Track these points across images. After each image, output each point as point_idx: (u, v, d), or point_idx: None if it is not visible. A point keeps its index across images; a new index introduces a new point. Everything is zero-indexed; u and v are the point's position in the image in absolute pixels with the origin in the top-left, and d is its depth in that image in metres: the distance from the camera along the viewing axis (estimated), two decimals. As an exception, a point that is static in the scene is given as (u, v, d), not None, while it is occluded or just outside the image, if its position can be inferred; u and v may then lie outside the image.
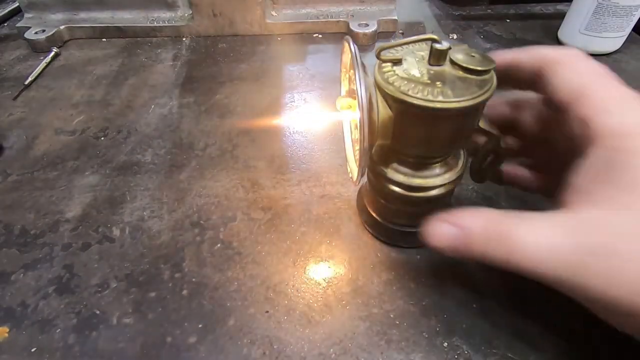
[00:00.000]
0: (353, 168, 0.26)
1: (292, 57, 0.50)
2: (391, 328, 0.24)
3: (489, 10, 0.59)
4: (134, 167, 0.35)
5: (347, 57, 0.23)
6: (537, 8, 0.58)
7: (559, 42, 0.50)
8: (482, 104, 0.19)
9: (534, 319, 0.24)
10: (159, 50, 0.52)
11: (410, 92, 0.19)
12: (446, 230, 0.20)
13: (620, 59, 0.47)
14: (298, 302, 0.25)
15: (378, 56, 0.21)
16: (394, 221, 0.27)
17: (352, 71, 0.21)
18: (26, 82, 0.46)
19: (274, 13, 0.54)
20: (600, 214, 0.17)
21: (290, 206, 0.31)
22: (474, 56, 0.20)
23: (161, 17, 0.55)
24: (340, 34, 0.54)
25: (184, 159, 0.36)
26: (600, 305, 0.17)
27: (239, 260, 0.28)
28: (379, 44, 0.21)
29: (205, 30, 0.54)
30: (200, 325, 0.24)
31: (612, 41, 0.47)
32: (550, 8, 0.58)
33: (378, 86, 0.21)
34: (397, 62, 0.21)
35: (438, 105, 0.19)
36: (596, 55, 0.48)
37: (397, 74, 0.20)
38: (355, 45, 0.20)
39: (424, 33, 0.54)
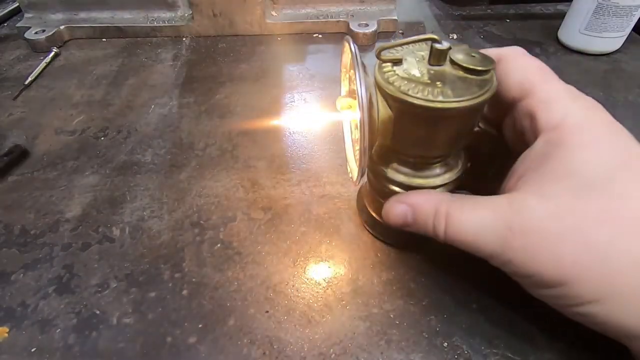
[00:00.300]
0: (353, 168, 0.26)
1: (292, 57, 0.50)
2: (391, 328, 0.24)
3: (489, 10, 0.59)
4: (134, 167, 0.35)
5: (347, 57, 0.23)
6: (537, 8, 0.58)
7: (559, 42, 0.50)
8: (483, 104, 0.19)
9: (534, 319, 0.24)
10: (159, 50, 0.52)
11: (410, 92, 0.19)
12: (400, 208, 0.23)
13: (620, 59, 0.47)
14: (298, 302, 0.25)
15: (378, 56, 0.21)
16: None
17: (352, 71, 0.21)
18: (26, 82, 0.46)
19: (274, 13, 0.54)
20: (527, 199, 0.19)
21: (290, 206, 0.31)
22: (474, 56, 0.20)
23: (161, 17, 0.55)
24: (340, 34, 0.54)
25: (184, 159, 0.36)
26: (526, 280, 0.20)
27: (239, 260, 0.28)
28: (379, 44, 0.21)
29: (205, 30, 0.54)
30: (200, 325, 0.24)
31: (612, 41, 0.47)
32: (550, 8, 0.58)
33: (378, 86, 0.21)
34: (397, 62, 0.21)
35: (438, 105, 0.19)
36: (596, 55, 0.48)
37: (397, 74, 0.20)
38: (355, 45, 0.20)
39: (424, 33, 0.54)
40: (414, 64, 0.21)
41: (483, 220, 0.20)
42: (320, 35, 0.54)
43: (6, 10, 0.60)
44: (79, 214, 0.32)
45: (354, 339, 0.23)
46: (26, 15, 0.55)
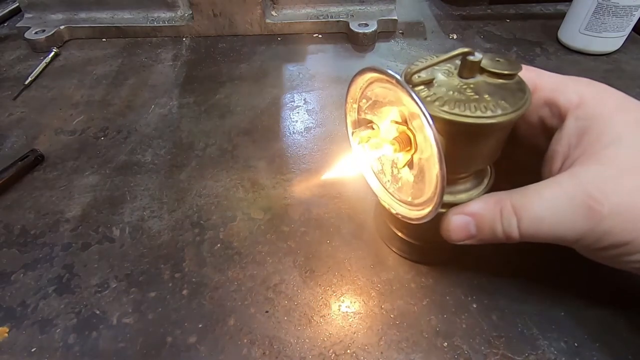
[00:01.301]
0: (390, 202, 0.24)
1: (292, 57, 0.50)
2: (391, 328, 0.24)
3: (489, 10, 0.59)
4: (134, 167, 0.35)
5: (355, 87, 0.22)
6: (537, 8, 0.58)
7: (559, 42, 0.50)
8: (525, 111, 0.19)
9: (534, 319, 0.24)
10: (159, 50, 0.52)
11: (465, 112, 0.18)
12: (459, 221, 0.21)
13: (620, 59, 0.47)
14: (298, 302, 0.25)
15: (409, 81, 0.20)
16: (421, 238, 0.26)
17: (403, 94, 0.19)
18: (26, 82, 0.46)
19: (274, 13, 0.55)
20: (595, 168, 0.19)
21: (290, 206, 0.31)
22: (499, 60, 0.20)
23: (161, 17, 0.55)
24: (340, 34, 0.54)
25: (184, 159, 0.36)
26: (619, 249, 0.19)
27: (239, 260, 0.28)
28: (403, 66, 0.20)
29: (205, 30, 0.54)
30: (200, 325, 0.24)
31: (612, 41, 0.47)
32: (550, 8, 0.58)
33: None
34: (428, 83, 0.20)
35: (500, 119, 0.18)
36: (596, 55, 0.48)
37: (438, 96, 0.19)
38: (399, 76, 0.19)
39: (424, 33, 0.54)
40: (446, 82, 0.20)
41: (556, 201, 0.19)
42: (320, 35, 0.54)
43: (6, 10, 0.60)
44: (79, 214, 0.32)
45: (354, 339, 0.23)
46: (26, 15, 0.55)
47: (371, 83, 0.22)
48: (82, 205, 0.32)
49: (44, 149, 0.37)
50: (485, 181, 0.24)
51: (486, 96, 0.19)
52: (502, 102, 0.18)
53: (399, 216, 0.23)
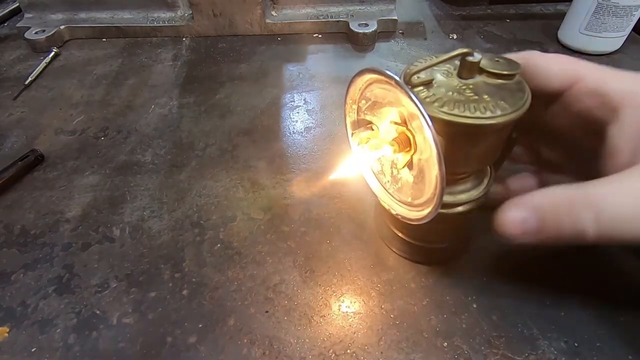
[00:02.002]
0: (390, 203, 0.24)
1: (292, 57, 0.50)
2: (391, 328, 0.24)
3: (489, 10, 0.59)
4: (134, 167, 0.35)
5: (355, 88, 0.22)
6: (537, 8, 0.58)
7: (559, 42, 0.50)
8: (528, 107, 0.19)
9: (534, 319, 0.24)
10: (159, 50, 0.52)
11: (464, 113, 0.18)
12: (517, 214, 0.19)
13: (620, 59, 0.47)
14: (298, 302, 0.25)
15: (409, 82, 0.20)
16: (419, 239, 0.26)
17: (402, 95, 0.19)
18: (26, 82, 0.46)
19: (274, 13, 0.55)
20: None
21: (290, 206, 0.31)
22: (498, 61, 0.20)
23: (161, 17, 0.55)
24: (340, 34, 0.54)
25: (184, 159, 0.36)
26: None
27: (239, 260, 0.28)
28: (402, 67, 0.20)
29: (205, 30, 0.54)
30: (200, 325, 0.24)
31: (612, 41, 0.47)
32: (550, 8, 0.58)
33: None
34: (428, 83, 0.20)
35: (499, 119, 0.18)
36: (596, 55, 0.48)
37: (437, 97, 0.19)
38: (399, 79, 0.18)
39: (424, 33, 0.54)
40: (445, 82, 0.20)
41: (634, 198, 0.17)
42: (320, 35, 0.54)
43: (6, 10, 0.60)
44: (79, 214, 0.32)
45: (354, 339, 0.23)
46: (26, 15, 0.55)
47: (370, 84, 0.21)
48: (82, 205, 0.32)
49: (44, 149, 0.37)
50: (485, 181, 0.23)
51: (485, 97, 0.19)
52: (502, 102, 0.18)
53: (399, 217, 0.23)
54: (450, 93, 0.19)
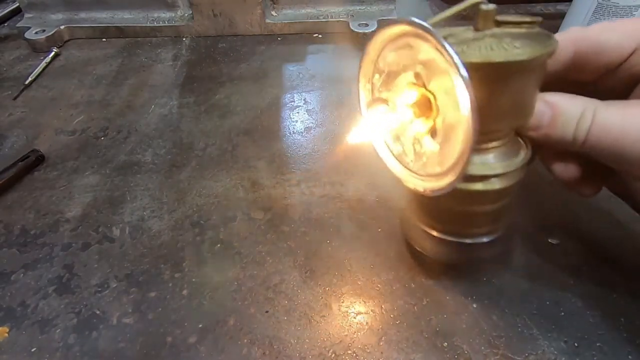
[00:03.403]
0: (417, 182, 0.22)
1: (292, 57, 0.50)
2: (391, 328, 0.24)
3: (489, 10, 0.59)
4: (134, 167, 0.35)
5: (368, 60, 0.21)
6: (537, 8, 0.58)
7: (559, 42, 0.50)
8: (554, 51, 0.18)
9: (534, 319, 0.24)
10: (159, 50, 0.52)
11: (491, 54, 0.17)
12: (540, 106, 0.20)
13: (620, 59, 0.47)
14: (298, 302, 0.25)
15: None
16: (454, 231, 0.23)
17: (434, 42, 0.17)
18: (26, 82, 0.46)
19: (274, 13, 0.54)
20: None
21: (290, 206, 0.31)
22: (513, 15, 0.19)
23: (161, 17, 0.55)
24: (340, 34, 0.54)
25: (184, 159, 0.36)
26: None
27: (239, 260, 0.28)
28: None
29: (205, 30, 0.54)
30: (200, 325, 0.24)
31: (612, 41, 0.47)
32: (550, 8, 0.58)
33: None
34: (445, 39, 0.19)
35: (531, 54, 0.17)
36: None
37: (460, 46, 0.18)
38: (422, 20, 0.18)
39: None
40: (462, 36, 0.19)
41: (636, 118, 0.18)
42: (320, 35, 0.54)
43: (6, 10, 0.59)
44: (79, 214, 0.32)
45: (354, 339, 0.23)
46: (26, 15, 0.55)
47: (382, 49, 0.20)
48: (82, 205, 0.32)
49: (44, 149, 0.37)
50: (522, 153, 0.21)
51: (507, 39, 0.18)
52: (528, 41, 0.17)
53: (428, 192, 0.21)
54: (470, 41, 0.18)
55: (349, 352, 0.23)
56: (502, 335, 0.23)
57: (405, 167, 0.23)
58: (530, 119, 0.20)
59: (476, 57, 0.17)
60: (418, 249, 0.26)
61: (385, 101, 0.21)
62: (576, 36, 0.21)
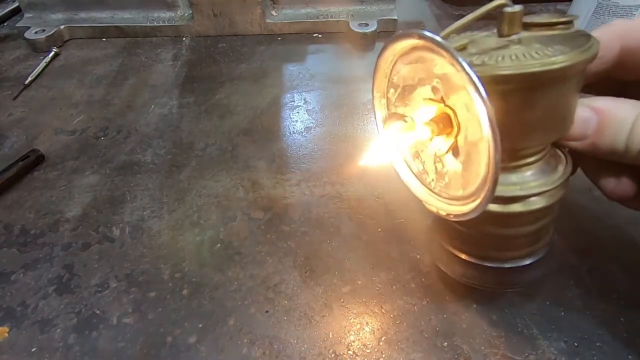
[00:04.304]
0: (439, 205, 0.20)
1: (292, 57, 0.50)
2: (391, 328, 0.24)
3: (489, 10, 0.59)
4: (134, 167, 0.35)
5: (381, 74, 0.20)
6: (537, 8, 0.58)
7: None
8: (595, 55, 0.16)
9: (534, 319, 0.24)
10: (159, 50, 0.52)
11: (513, 64, 0.15)
12: (582, 113, 0.17)
13: (620, 59, 0.47)
14: (298, 302, 0.25)
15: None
16: (486, 256, 0.21)
17: (449, 59, 0.16)
18: (26, 82, 0.46)
19: (274, 13, 0.54)
20: None
21: (290, 206, 0.31)
22: (545, 16, 0.17)
23: (161, 17, 0.55)
24: (340, 34, 0.54)
25: (184, 159, 0.36)
26: None
27: (239, 260, 0.28)
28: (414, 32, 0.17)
29: (205, 30, 0.54)
30: (200, 325, 0.24)
31: (612, 41, 0.47)
32: (550, 8, 0.58)
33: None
34: (462, 49, 0.17)
35: (558, 65, 0.15)
36: (596, 55, 0.48)
37: (481, 56, 0.16)
38: (435, 35, 0.16)
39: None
40: (485, 43, 0.17)
41: None
42: (320, 35, 0.54)
43: (6, 10, 0.59)
44: (79, 214, 0.32)
45: (354, 339, 0.23)
46: (26, 15, 0.55)
47: (394, 63, 0.19)
48: (82, 205, 0.32)
49: (44, 149, 0.37)
50: (561, 169, 0.19)
51: (536, 45, 0.16)
52: (559, 46, 0.15)
53: (451, 217, 0.19)
54: (492, 50, 0.16)
55: (349, 352, 0.23)
56: (502, 335, 0.23)
57: (427, 187, 0.21)
58: (571, 129, 0.18)
59: (501, 68, 0.15)
60: (446, 271, 0.23)
61: (402, 117, 0.19)
62: (623, 30, 0.19)
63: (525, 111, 0.17)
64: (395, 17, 0.53)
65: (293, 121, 0.40)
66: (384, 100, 0.21)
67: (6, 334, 0.24)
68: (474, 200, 0.17)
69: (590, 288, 0.25)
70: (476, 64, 0.16)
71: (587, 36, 0.16)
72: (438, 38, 0.15)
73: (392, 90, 0.20)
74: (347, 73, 0.45)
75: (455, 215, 0.19)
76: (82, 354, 0.23)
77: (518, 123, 0.17)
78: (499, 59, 0.16)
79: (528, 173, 0.19)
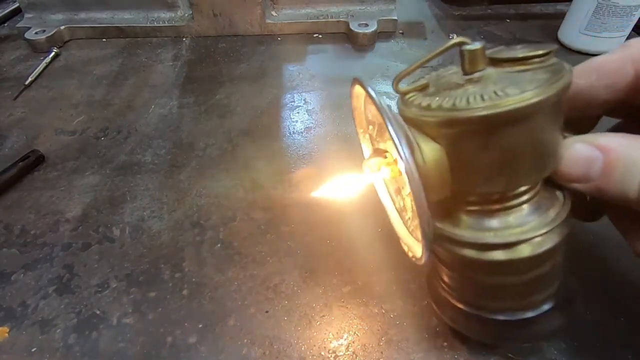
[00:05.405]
0: (411, 244, 0.19)
1: (292, 57, 0.50)
2: (391, 328, 0.24)
3: (489, 10, 0.59)
4: (134, 167, 0.35)
5: (358, 112, 0.19)
6: (537, 8, 0.58)
7: (558, 43, 0.50)
8: (565, 91, 0.15)
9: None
10: (159, 50, 0.52)
11: (471, 105, 0.14)
12: (584, 151, 0.15)
13: (620, 59, 0.47)
14: (298, 302, 0.25)
15: (397, 90, 0.17)
16: (480, 305, 0.20)
17: (381, 122, 0.16)
18: (26, 82, 0.46)
19: (274, 13, 0.54)
20: None
21: (290, 206, 0.31)
22: (520, 49, 0.16)
23: (161, 17, 0.55)
24: (340, 34, 0.54)
25: (184, 159, 0.36)
26: None
27: (239, 260, 0.28)
28: (402, 68, 0.17)
29: (205, 30, 0.54)
30: (200, 325, 0.24)
31: (612, 41, 0.47)
32: (550, 8, 0.58)
33: (414, 123, 0.16)
34: (423, 88, 0.17)
35: (511, 106, 0.14)
36: (596, 56, 0.48)
37: (434, 97, 0.16)
38: (373, 90, 0.15)
39: (424, 34, 0.54)
40: (445, 83, 0.16)
41: None
42: (320, 35, 0.54)
43: (6, 11, 0.59)
44: (79, 214, 0.32)
45: (354, 339, 0.23)
46: (26, 15, 0.55)
47: (366, 103, 0.19)
48: (82, 205, 0.32)
49: (44, 149, 0.37)
50: (552, 213, 0.17)
51: (499, 83, 0.15)
52: (520, 85, 0.14)
53: (413, 259, 0.18)
54: (447, 91, 0.16)
55: (349, 352, 0.23)
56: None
57: (404, 224, 0.20)
58: (568, 168, 0.16)
59: (445, 110, 0.15)
60: (448, 322, 0.22)
61: (383, 153, 0.18)
62: (638, 52, 0.17)
63: (481, 154, 0.15)
64: (395, 18, 0.53)
65: (293, 121, 0.40)
66: (367, 136, 0.21)
67: (6, 334, 0.24)
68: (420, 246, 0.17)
69: (590, 288, 0.25)
70: (423, 107, 0.16)
71: (559, 71, 0.15)
72: (369, 89, 0.15)
73: (370, 127, 0.20)
74: (347, 73, 0.45)
75: (413, 258, 0.18)
76: (82, 354, 0.23)
77: (474, 166, 0.16)
78: (446, 100, 0.15)
79: (510, 218, 0.17)
